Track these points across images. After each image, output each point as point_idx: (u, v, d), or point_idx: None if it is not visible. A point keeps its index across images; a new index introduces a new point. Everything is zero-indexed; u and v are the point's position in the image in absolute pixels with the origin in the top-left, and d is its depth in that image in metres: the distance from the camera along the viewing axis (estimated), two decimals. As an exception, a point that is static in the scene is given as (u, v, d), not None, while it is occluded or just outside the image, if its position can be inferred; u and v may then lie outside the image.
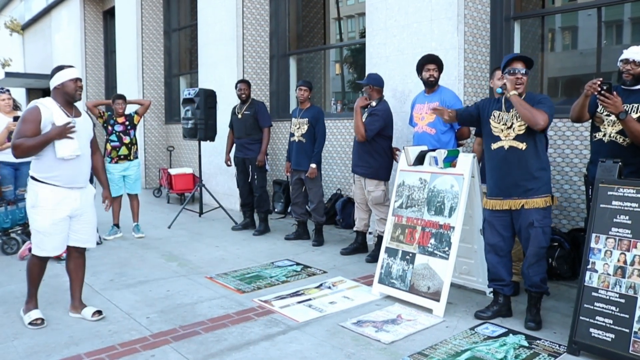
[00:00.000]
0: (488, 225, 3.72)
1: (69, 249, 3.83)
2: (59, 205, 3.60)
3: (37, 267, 3.72)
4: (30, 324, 3.63)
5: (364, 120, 5.11)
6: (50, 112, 3.57)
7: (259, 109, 6.49)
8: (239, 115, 6.55)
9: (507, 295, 3.76)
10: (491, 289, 3.87)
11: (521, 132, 3.51)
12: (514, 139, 3.53)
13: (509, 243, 3.70)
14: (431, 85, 4.72)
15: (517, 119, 3.53)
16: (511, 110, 3.57)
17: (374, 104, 5.17)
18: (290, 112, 7.32)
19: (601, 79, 3.40)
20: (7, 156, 5.43)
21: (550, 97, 3.74)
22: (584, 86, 3.51)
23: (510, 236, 3.69)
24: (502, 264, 3.70)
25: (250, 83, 6.79)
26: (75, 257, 3.85)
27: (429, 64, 4.69)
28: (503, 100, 3.66)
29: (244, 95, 6.54)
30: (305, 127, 5.95)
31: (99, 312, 3.78)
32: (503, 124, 3.59)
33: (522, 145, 3.51)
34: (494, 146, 3.61)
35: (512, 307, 3.78)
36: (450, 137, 4.66)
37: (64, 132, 3.52)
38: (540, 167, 3.55)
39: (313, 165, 5.87)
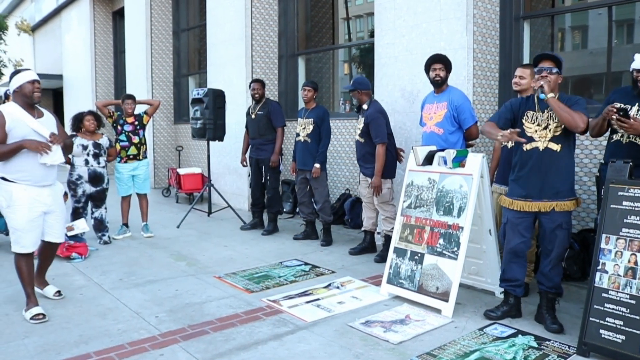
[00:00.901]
0: (510, 227, 3.64)
1: (44, 243, 4.03)
2: (34, 203, 3.74)
3: (23, 263, 3.82)
4: (32, 319, 3.69)
5: (361, 127, 5.22)
6: (14, 115, 3.65)
7: (272, 109, 6.43)
8: (253, 116, 6.53)
9: (518, 297, 3.74)
10: (502, 290, 3.84)
11: (558, 133, 3.46)
12: (550, 140, 3.47)
13: (528, 244, 3.67)
14: (438, 85, 4.71)
15: (553, 120, 3.47)
16: (546, 110, 3.50)
17: (365, 107, 5.19)
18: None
19: (617, 105, 3.40)
20: None
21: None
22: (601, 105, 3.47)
23: (530, 238, 3.67)
24: (518, 264, 3.67)
25: (265, 82, 6.73)
26: (50, 249, 4.10)
27: (435, 63, 4.67)
28: (536, 100, 3.57)
29: (257, 95, 6.49)
30: (311, 127, 5.96)
31: (60, 293, 4.14)
32: (537, 125, 3.52)
33: (557, 147, 3.46)
34: (527, 147, 3.52)
35: (521, 308, 3.76)
36: (459, 137, 4.64)
37: (38, 148, 3.64)
38: (570, 169, 3.53)
39: (317, 165, 5.87)
